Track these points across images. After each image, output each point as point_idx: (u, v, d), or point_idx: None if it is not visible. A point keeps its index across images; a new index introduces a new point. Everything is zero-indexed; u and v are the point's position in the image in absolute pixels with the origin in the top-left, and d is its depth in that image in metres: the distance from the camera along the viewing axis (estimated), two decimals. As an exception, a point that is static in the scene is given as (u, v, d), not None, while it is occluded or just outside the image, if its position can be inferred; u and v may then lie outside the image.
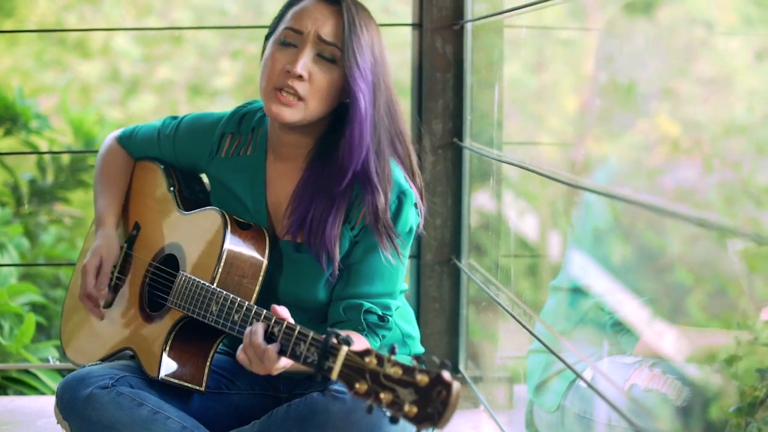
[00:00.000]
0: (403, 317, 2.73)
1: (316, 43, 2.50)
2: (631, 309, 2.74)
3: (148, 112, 7.32)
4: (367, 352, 2.00)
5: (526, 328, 2.89)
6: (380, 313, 2.54)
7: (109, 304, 2.75)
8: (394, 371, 1.96)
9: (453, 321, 3.60)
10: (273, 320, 2.27)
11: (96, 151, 2.94)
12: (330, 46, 2.50)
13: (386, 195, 2.51)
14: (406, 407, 1.93)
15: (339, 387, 2.41)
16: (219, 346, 2.60)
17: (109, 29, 7.67)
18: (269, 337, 2.26)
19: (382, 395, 1.96)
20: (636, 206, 2.62)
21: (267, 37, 2.62)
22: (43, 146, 5.75)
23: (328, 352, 2.05)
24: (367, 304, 2.53)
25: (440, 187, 3.54)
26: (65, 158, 5.58)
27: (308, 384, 2.61)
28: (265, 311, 2.32)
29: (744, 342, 2.35)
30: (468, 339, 3.62)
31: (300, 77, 2.48)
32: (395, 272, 2.57)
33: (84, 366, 2.64)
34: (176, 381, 2.53)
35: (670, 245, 2.72)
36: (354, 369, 2.01)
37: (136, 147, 2.85)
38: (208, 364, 2.55)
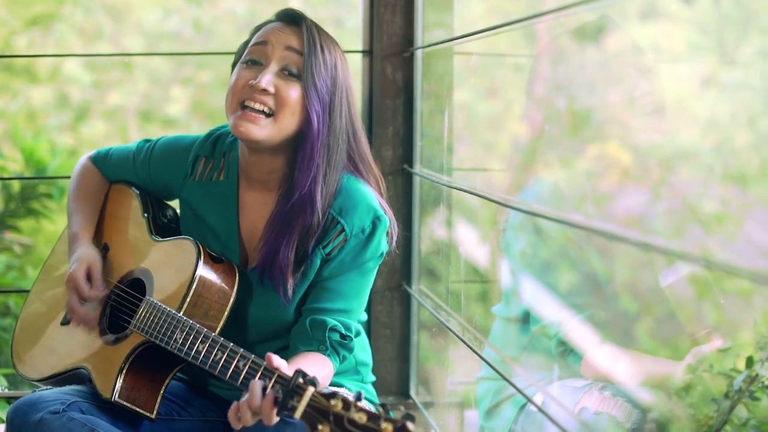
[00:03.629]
0: (361, 347, 2.74)
1: (281, 57, 2.51)
2: (573, 327, 2.75)
3: (99, 137, 7.29)
4: (333, 395, 1.99)
5: (477, 354, 2.90)
6: (343, 332, 2.54)
7: (66, 322, 2.73)
8: (359, 417, 1.95)
9: (404, 347, 3.60)
10: (239, 354, 2.27)
11: (47, 178, 2.93)
12: (296, 54, 2.51)
13: (322, 216, 2.52)
14: None
15: (290, 413, 2.41)
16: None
17: (59, 55, 7.64)
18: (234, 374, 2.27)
19: None
20: (585, 231, 2.64)
21: (234, 65, 2.62)
22: (-8, 173, 5.71)
23: (293, 391, 2.05)
24: (331, 322, 2.53)
25: (391, 213, 3.55)
26: (15, 186, 5.54)
27: (259, 410, 2.60)
28: (231, 345, 2.31)
29: (697, 371, 2.37)
30: (419, 364, 3.62)
31: (264, 91, 2.48)
32: (360, 293, 2.59)
33: (34, 380, 2.62)
34: (128, 405, 2.51)
35: (617, 272, 2.73)
36: (318, 410, 2.00)
37: (110, 169, 2.85)
38: (161, 392, 2.53)
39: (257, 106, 2.48)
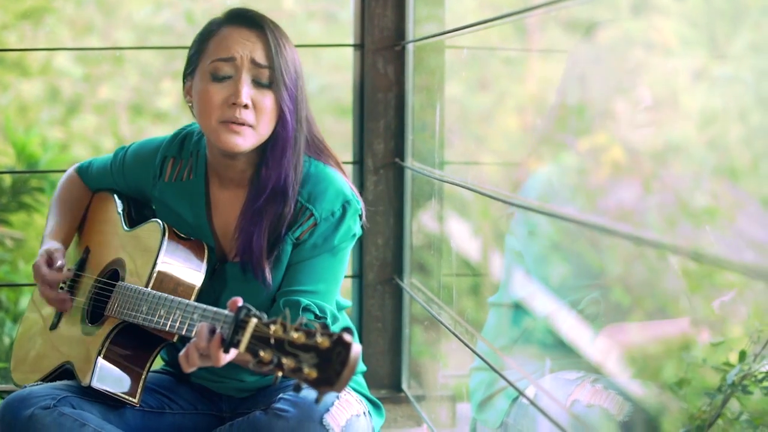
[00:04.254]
0: (346, 333, 2.74)
1: (251, 69, 2.52)
2: (569, 322, 2.76)
3: (89, 131, 7.28)
4: (273, 321, 1.98)
5: (469, 347, 2.90)
6: (317, 312, 2.54)
7: (54, 327, 2.75)
8: (298, 336, 1.94)
9: (395, 340, 3.61)
10: (193, 308, 2.30)
11: (39, 172, 2.95)
12: (263, 68, 2.52)
13: (292, 204, 2.56)
14: (306, 370, 1.91)
15: (282, 406, 2.41)
16: (160, 365, 2.59)
17: (49, 49, 7.62)
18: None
19: (284, 361, 1.93)
20: (577, 225, 2.64)
21: (186, 74, 2.62)
22: (-17, 168, 5.70)
23: (238, 326, 2.04)
24: (305, 302, 2.54)
25: (382, 207, 3.55)
26: (7, 180, 5.53)
27: (251, 403, 2.61)
28: (188, 302, 2.34)
29: (692, 364, 2.37)
30: (410, 358, 3.62)
31: (246, 106, 2.50)
32: (334, 275, 2.60)
33: (26, 386, 2.62)
34: (109, 390, 2.51)
35: (610, 264, 2.74)
36: (260, 339, 1.99)
37: (92, 179, 2.88)
38: (143, 377, 2.54)
39: (240, 120, 2.51)
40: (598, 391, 2.65)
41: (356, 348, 1.91)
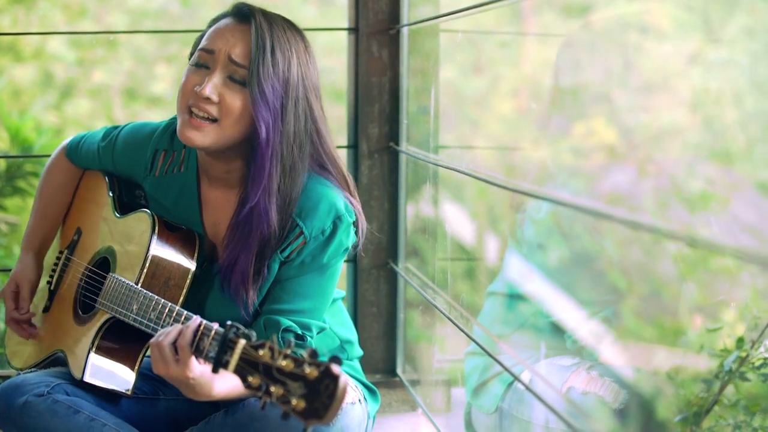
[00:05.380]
0: (341, 323, 2.73)
1: (227, 65, 2.45)
2: (587, 328, 2.75)
3: (83, 116, 7.27)
4: (261, 345, 1.97)
5: (464, 332, 2.90)
6: (299, 332, 2.50)
7: (47, 309, 2.75)
8: (286, 364, 1.93)
9: (390, 325, 3.61)
10: (183, 317, 2.28)
11: (34, 156, 2.94)
12: (239, 67, 2.44)
13: (279, 225, 2.48)
14: (294, 401, 1.90)
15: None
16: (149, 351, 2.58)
17: (43, 33, 7.60)
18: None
19: (272, 389, 1.93)
20: (572, 209, 2.64)
21: (190, 56, 2.60)
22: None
23: (227, 345, 2.03)
24: (286, 322, 2.49)
25: (377, 191, 3.54)
26: (1, 165, 5.52)
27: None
28: (177, 308, 2.32)
29: (689, 353, 2.37)
30: (405, 343, 3.63)
31: (208, 99, 2.43)
32: (322, 292, 2.55)
33: (21, 370, 2.62)
34: (101, 384, 2.51)
35: (606, 249, 2.73)
36: (249, 362, 1.98)
37: (81, 159, 2.84)
38: (136, 368, 2.53)
39: (201, 113, 2.44)
40: (593, 378, 2.65)
41: (343, 380, 1.89)
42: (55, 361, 2.67)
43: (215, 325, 2.14)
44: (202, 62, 2.48)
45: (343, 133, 3.62)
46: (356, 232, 2.57)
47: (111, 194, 2.73)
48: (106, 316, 2.52)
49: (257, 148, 2.44)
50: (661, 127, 2.75)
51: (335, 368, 1.90)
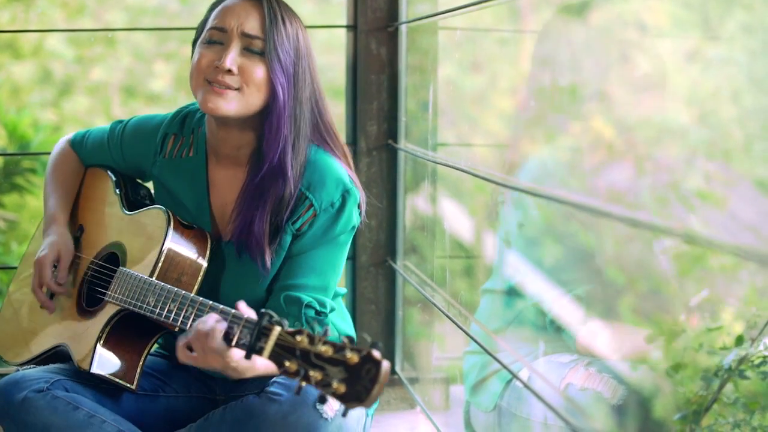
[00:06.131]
0: (341, 317, 2.75)
1: (241, 39, 2.52)
2: (562, 306, 2.75)
3: (82, 113, 7.26)
4: (299, 332, 2.00)
5: (462, 329, 2.90)
6: (318, 308, 2.55)
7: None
8: (325, 350, 1.95)
9: (389, 322, 3.61)
10: (208, 306, 2.28)
11: (31, 154, 2.94)
12: (255, 39, 2.52)
13: (294, 188, 2.54)
14: (335, 384, 1.92)
15: (275, 389, 2.42)
16: (154, 348, 2.59)
17: (41, 30, 7.60)
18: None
19: (311, 373, 1.95)
20: (569, 207, 2.64)
21: (194, 43, 2.62)
22: (-25, 148, 5.69)
23: (261, 333, 2.05)
24: (306, 298, 2.54)
25: (375, 189, 3.54)
26: (-1, 161, 5.54)
27: (244, 387, 2.61)
28: (201, 299, 2.33)
29: (687, 348, 2.37)
30: (404, 340, 3.63)
31: (229, 71, 2.49)
32: (333, 267, 2.60)
33: (17, 364, 2.62)
34: (107, 376, 2.51)
35: (603, 246, 2.73)
36: (285, 348, 2.00)
37: (87, 153, 2.85)
38: (141, 363, 2.54)
39: (223, 84, 2.50)
40: (591, 374, 2.65)
41: (386, 365, 1.93)
42: (54, 356, 2.67)
43: (245, 315, 2.16)
44: (215, 39, 2.53)
45: (342, 131, 3.62)
46: (359, 213, 2.63)
47: (118, 191, 2.75)
48: (114, 310, 2.53)
49: (273, 111, 2.52)
50: (660, 124, 2.75)
51: (377, 353, 1.93)
